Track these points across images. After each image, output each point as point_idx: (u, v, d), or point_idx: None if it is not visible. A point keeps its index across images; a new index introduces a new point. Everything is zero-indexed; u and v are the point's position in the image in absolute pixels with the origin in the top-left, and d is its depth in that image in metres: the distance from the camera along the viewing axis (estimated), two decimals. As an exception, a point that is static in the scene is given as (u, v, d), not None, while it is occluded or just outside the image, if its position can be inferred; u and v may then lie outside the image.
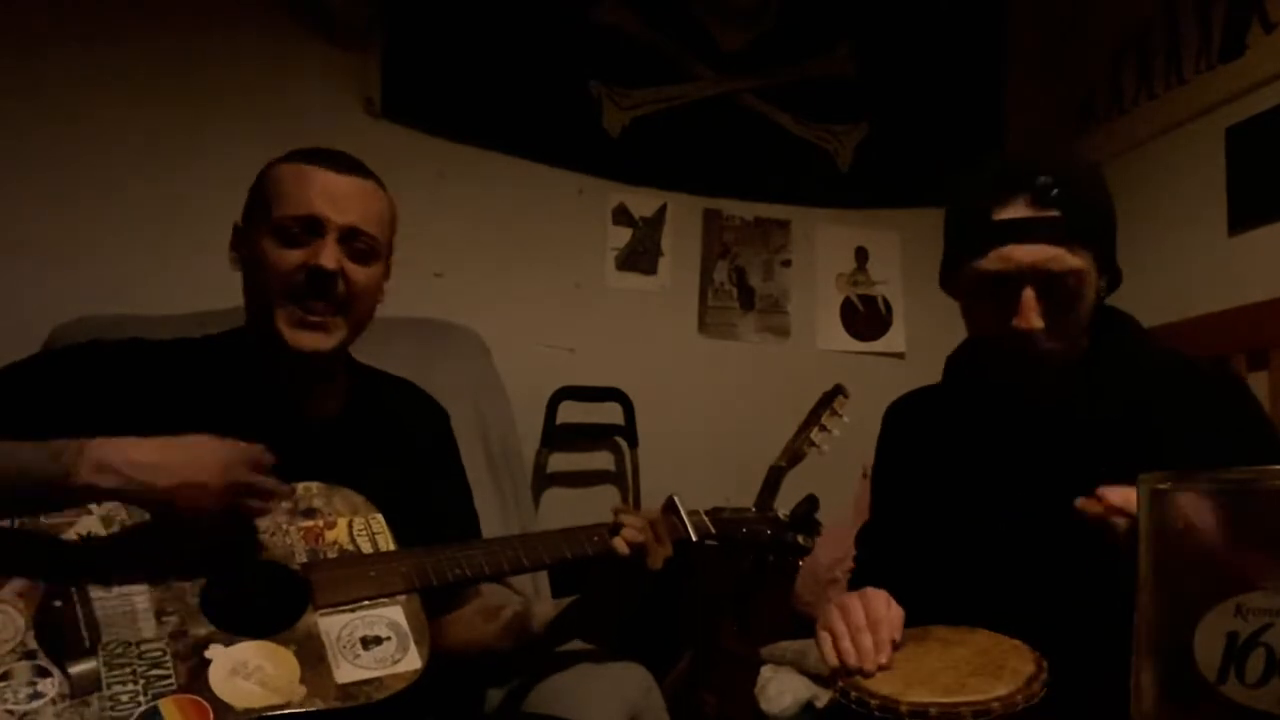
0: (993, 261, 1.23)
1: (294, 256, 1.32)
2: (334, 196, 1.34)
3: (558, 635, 1.41)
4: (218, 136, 2.35)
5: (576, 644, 1.56)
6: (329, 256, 1.31)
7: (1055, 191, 1.20)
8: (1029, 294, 1.22)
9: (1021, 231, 1.21)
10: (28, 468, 1.13)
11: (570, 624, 1.40)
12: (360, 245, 1.35)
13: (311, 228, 1.32)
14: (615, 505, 1.38)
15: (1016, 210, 1.22)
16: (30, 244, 2.21)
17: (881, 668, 1.14)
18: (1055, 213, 1.20)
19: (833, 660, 1.16)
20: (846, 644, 1.16)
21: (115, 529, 1.20)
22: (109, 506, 1.21)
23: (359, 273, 1.35)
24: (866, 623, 1.17)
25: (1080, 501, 1.13)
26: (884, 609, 1.19)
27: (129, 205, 2.30)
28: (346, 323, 1.37)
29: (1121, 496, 1.09)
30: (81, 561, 1.17)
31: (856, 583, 1.45)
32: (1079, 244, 1.21)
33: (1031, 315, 1.22)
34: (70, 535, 1.18)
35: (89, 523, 1.19)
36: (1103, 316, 1.34)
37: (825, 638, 1.18)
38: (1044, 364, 1.26)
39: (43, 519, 1.18)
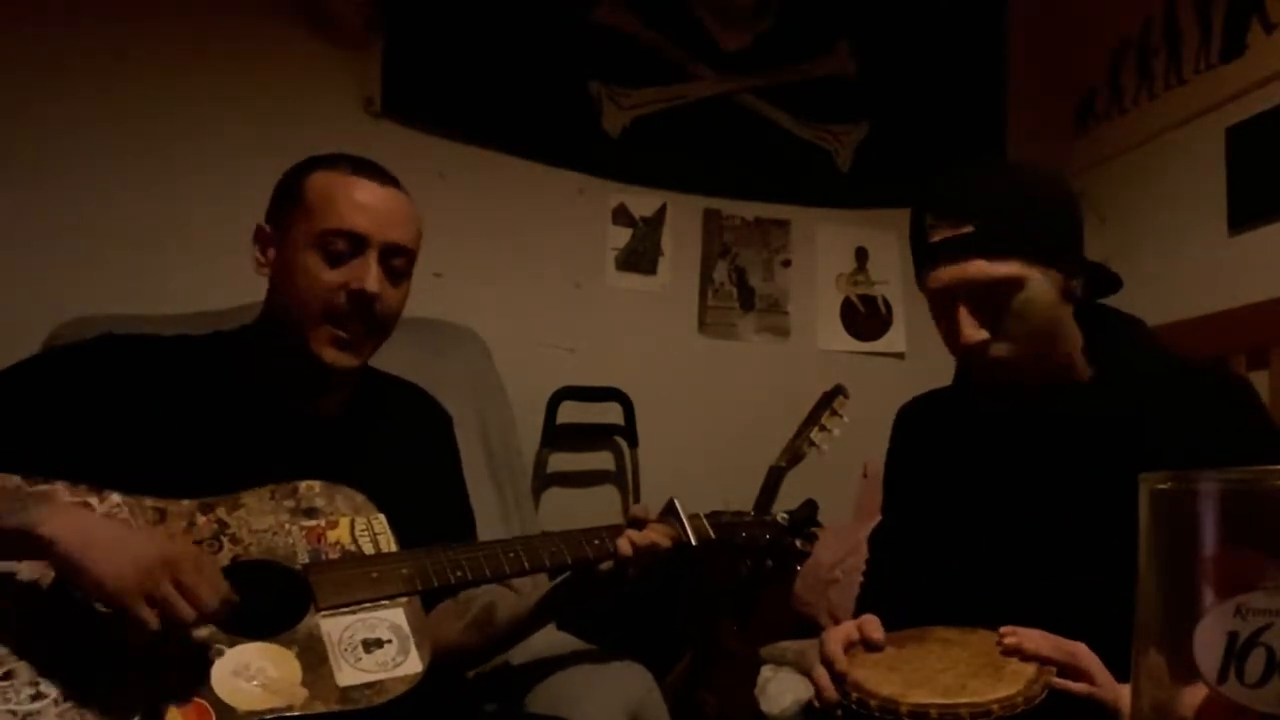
0: (930, 283, 1.28)
1: (335, 276, 1.33)
2: (377, 212, 1.35)
3: (526, 628, 1.41)
4: (217, 136, 2.35)
5: (577, 644, 1.56)
6: (372, 280, 1.32)
7: (967, 208, 1.24)
8: (963, 311, 1.26)
9: (943, 252, 1.25)
10: None
11: (541, 617, 1.40)
12: (397, 263, 1.37)
13: (355, 243, 1.33)
14: (635, 507, 1.38)
15: (939, 232, 1.26)
16: (30, 244, 2.21)
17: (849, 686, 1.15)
18: (967, 228, 1.23)
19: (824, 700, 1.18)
20: (822, 680, 1.18)
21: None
22: (112, 503, 1.21)
23: (392, 294, 1.37)
24: (821, 658, 1.19)
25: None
26: (836, 644, 1.19)
27: (128, 205, 2.30)
28: (374, 342, 1.38)
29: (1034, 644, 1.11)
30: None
31: (867, 585, 1.46)
32: (999, 253, 1.23)
33: (969, 330, 1.25)
34: None
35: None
36: (1104, 319, 1.34)
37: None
38: (1001, 370, 1.28)
39: None
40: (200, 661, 1.13)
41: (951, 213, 1.25)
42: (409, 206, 1.40)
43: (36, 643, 1.11)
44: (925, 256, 1.28)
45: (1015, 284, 1.24)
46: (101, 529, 1.13)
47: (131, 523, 1.19)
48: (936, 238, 1.26)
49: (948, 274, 1.25)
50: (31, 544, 1.10)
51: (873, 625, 1.22)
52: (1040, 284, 1.25)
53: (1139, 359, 1.33)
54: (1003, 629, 1.15)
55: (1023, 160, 1.48)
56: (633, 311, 2.82)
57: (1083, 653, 1.12)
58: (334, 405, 1.44)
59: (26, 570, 1.15)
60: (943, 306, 1.29)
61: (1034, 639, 1.13)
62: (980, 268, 1.23)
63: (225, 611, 1.13)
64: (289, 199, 1.37)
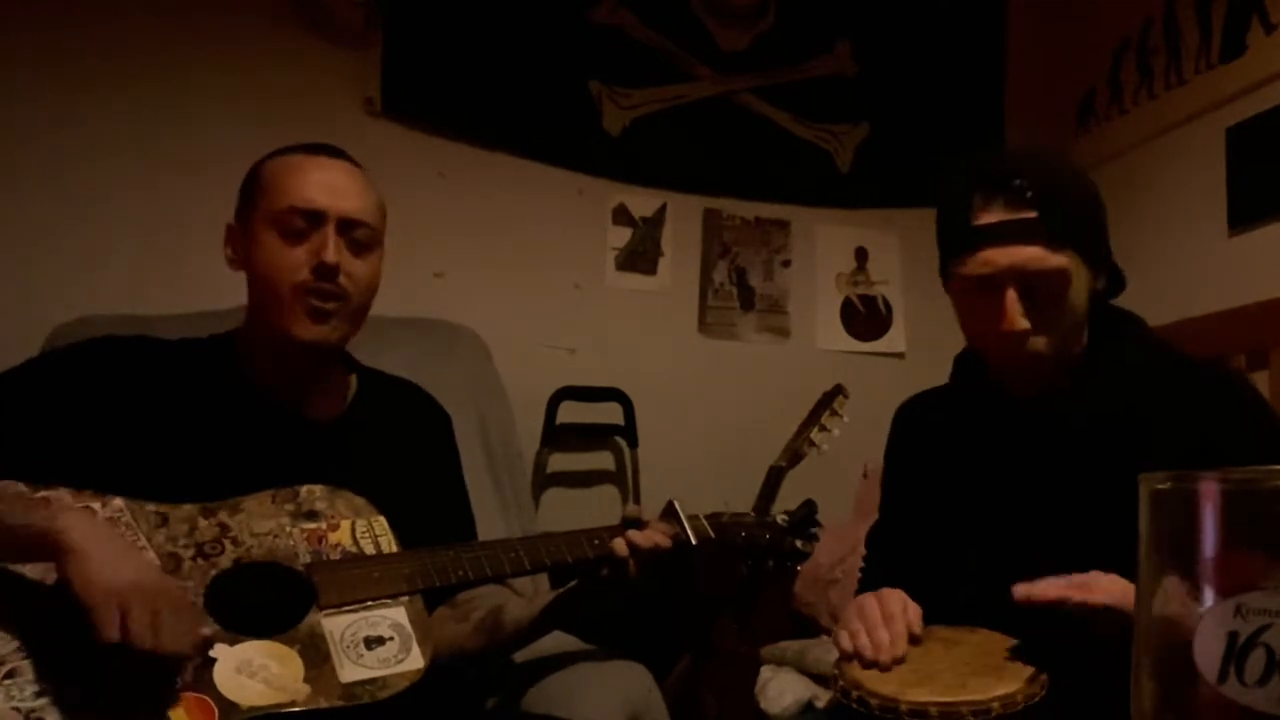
0: (974, 266, 1.24)
1: (298, 254, 1.33)
2: (330, 186, 1.35)
3: (533, 633, 1.41)
4: (217, 136, 2.35)
5: (577, 644, 1.56)
6: (331, 250, 1.32)
7: (1030, 193, 1.21)
8: (1011, 295, 1.22)
9: (1000, 235, 1.22)
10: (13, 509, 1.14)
11: (548, 623, 1.40)
12: (358, 235, 1.36)
13: (312, 219, 1.33)
14: (629, 508, 1.38)
15: (994, 214, 1.22)
16: (30, 244, 2.22)
17: (897, 661, 1.17)
18: (1032, 214, 1.21)
19: (847, 648, 1.19)
20: (863, 639, 1.19)
21: (121, 529, 1.20)
22: (114, 508, 1.21)
23: (358, 267, 1.36)
24: (881, 619, 1.20)
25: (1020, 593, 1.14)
26: (899, 606, 1.22)
27: (129, 206, 2.30)
28: (348, 316, 1.37)
29: (1056, 590, 1.12)
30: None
31: (866, 584, 1.45)
32: (1058, 243, 1.21)
33: (1016, 317, 1.23)
34: None
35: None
36: (1106, 317, 1.34)
37: (843, 634, 1.21)
38: (1036, 364, 1.27)
39: None
40: (202, 659, 1.14)
41: (1012, 195, 1.21)
42: (363, 180, 1.40)
43: (40, 640, 1.11)
44: (971, 238, 1.24)
45: (1066, 277, 1.22)
46: (114, 537, 1.15)
47: (139, 541, 1.19)
48: (990, 220, 1.22)
49: (1002, 257, 1.21)
50: (50, 542, 1.11)
51: (918, 617, 1.22)
52: (1082, 279, 1.25)
53: (1137, 355, 1.33)
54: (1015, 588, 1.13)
55: (1067, 154, 1.45)
56: (633, 311, 2.82)
57: (1095, 581, 1.12)
58: (333, 406, 1.44)
59: (31, 569, 1.15)
60: (983, 291, 1.24)
61: (1044, 585, 1.12)
62: (1041, 255, 1.20)
63: (196, 657, 1.12)
64: (249, 191, 1.39)
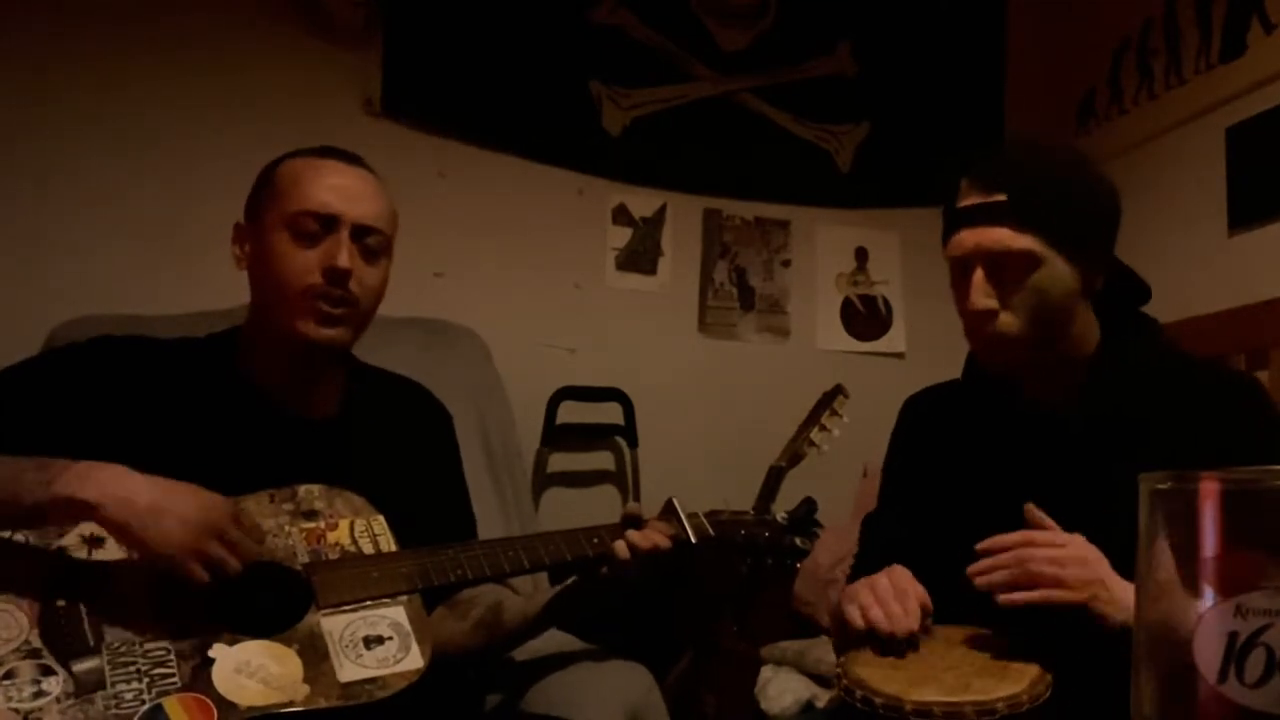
0: (951, 248, 1.28)
1: (310, 258, 1.32)
2: (346, 191, 1.35)
3: (532, 631, 1.41)
4: (217, 136, 2.35)
5: (576, 644, 1.56)
6: (344, 256, 1.32)
7: (1001, 176, 1.24)
8: (979, 275, 1.25)
9: (971, 217, 1.26)
10: (17, 477, 1.15)
11: (547, 620, 1.40)
12: (370, 242, 1.36)
13: (325, 223, 1.33)
14: (629, 506, 1.38)
15: (970, 198, 1.26)
16: (30, 244, 2.22)
17: (912, 634, 1.17)
18: (1000, 196, 1.24)
19: (859, 623, 1.19)
20: (876, 612, 1.19)
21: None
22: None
23: (369, 273, 1.36)
24: (894, 594, 1.21)
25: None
26: (910, 583, 1.22)
27: (129, 205, 2.31)
28: (356, 320, 1.37)
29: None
30: (85, 561, 1.18)
31: (859, 570, 1.45)
32: (1026, 225, 1.23)
33: (980, 297, 1.25)
34: (73, 537, 1.19)
35: (93, 524, 1.19)
36: (1121, 321, 1.33)
37: (853, 609, 1.21)
38: (1003, 345, 1.27)
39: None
40: (201, 659, 1.14)
41: (987, 179, 1.25)
42: (378, 187, 1.40)
43: (38, 641, 1.11)
44: (952, 221, 1.28)
45: (1034, 259, 1.23)
46: (141, 491, 1.16)
47: (163, 480, 1.19)
48: (967, 202, 1.26)
49: (971, 238, 1.25)
50: (76, 509, 1.15)
51: (926, 597, 1.22)
52: (1059, 269, 1.25)
53: (1145, 358, 1.32)
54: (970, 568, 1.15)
55: (1075, 149, 1.46)
56: (633, 311, 2.82)
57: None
58: (330, 405, 1.44)
59: (32, 566, 1.15)
60: (961, 273, 1.28)
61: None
62: (1003, 236, 1.23)
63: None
64: (261, 191, 1.39)
